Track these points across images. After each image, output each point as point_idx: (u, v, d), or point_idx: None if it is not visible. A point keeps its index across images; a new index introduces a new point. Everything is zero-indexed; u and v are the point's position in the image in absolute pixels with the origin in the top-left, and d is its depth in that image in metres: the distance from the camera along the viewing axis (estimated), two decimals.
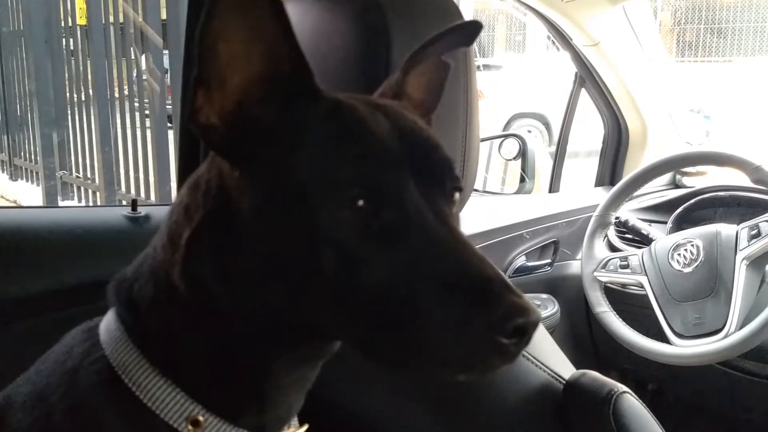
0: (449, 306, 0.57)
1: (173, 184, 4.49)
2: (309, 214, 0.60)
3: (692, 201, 2.12)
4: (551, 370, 0.95)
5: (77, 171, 5.54)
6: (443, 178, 0.67)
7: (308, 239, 0.60)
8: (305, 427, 0.79)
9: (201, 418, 0.66)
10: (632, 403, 0.88)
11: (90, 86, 5.11)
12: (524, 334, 0.57)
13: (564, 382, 0.94)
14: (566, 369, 0.97)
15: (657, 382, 2.25)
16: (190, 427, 0.66)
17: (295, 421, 0.78)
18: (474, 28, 0.76)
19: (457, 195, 0.69)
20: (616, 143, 2.54)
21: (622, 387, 0.89)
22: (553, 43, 2.41)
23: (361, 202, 0.60)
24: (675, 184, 2.49)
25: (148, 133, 4.77)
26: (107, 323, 0.71)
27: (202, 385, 0.67)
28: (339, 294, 0.60)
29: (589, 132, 2.71)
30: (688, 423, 2.27)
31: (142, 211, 1.32)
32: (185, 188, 0.70)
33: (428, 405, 0.92)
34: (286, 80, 0.63)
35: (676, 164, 2.11)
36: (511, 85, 9.12)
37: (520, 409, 0.93)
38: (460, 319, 0.56)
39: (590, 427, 0.88)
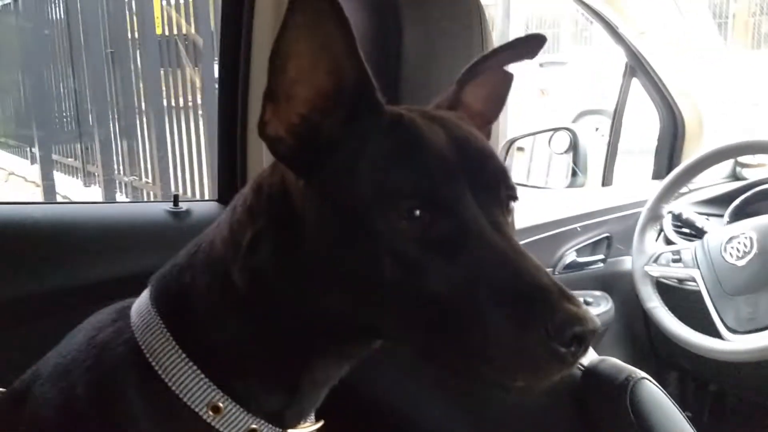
0: (508, 314, 0.58)
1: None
2: (369, 224, 0.62)
3: (750, 193, 2.03)
4: None
5: (146, 176, 5.74)
6: (498, 187, 0.68)
7: (368, 248, 0.62)
8: (320, 423, 0.81)
9: (221, 405, 0.69)
10: (651, 389, 0.86)
11: (147, 95, 5.29)
12: (582, 342, 0.57)
13: (583, 367, 0.93)
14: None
15: (718, 382, 2.16)
16: (210, 412, 0.69)
17: (311, 417, 0.80)
18: (537, 41, 0.77)
19: (512, 204, 0.70)
20: (672, 135, 2.46)
21: (641, 373, 0.87)
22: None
23: (418, 212, 0.62)
24: (735, 176, 2.40)
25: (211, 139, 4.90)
26: (139, 306, 0.74)
27: (233, 374, 0.70)
28: (398, 300, 0.62)
29: (645, 128, 2.64)
30: (753, 423, 2.18)
31: (183, 206, 1.37)
32: (248, 189, 0.73)
33: (445, 390, 0.93)
34: (350, 94, 0.65)
35: (729, 154, 2.03)
36: (576, 81, 8.88)
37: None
38: (518, 328, 0.57)
39: (607, 413, 0.87)
